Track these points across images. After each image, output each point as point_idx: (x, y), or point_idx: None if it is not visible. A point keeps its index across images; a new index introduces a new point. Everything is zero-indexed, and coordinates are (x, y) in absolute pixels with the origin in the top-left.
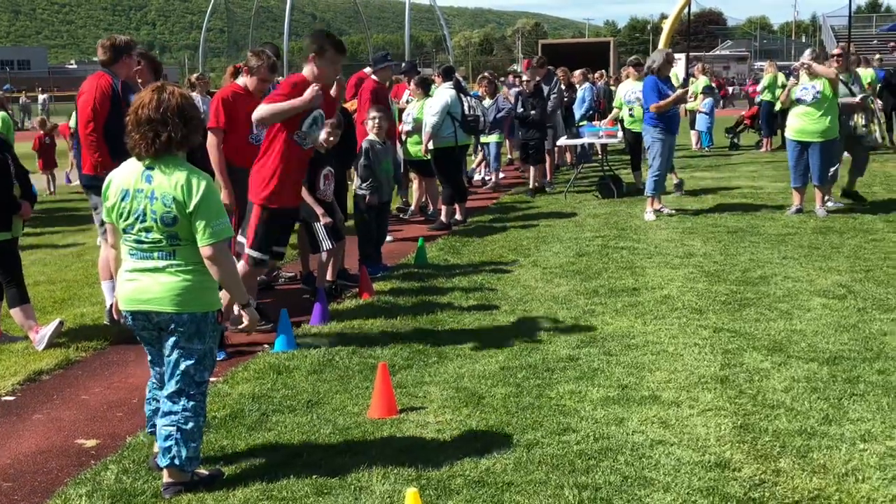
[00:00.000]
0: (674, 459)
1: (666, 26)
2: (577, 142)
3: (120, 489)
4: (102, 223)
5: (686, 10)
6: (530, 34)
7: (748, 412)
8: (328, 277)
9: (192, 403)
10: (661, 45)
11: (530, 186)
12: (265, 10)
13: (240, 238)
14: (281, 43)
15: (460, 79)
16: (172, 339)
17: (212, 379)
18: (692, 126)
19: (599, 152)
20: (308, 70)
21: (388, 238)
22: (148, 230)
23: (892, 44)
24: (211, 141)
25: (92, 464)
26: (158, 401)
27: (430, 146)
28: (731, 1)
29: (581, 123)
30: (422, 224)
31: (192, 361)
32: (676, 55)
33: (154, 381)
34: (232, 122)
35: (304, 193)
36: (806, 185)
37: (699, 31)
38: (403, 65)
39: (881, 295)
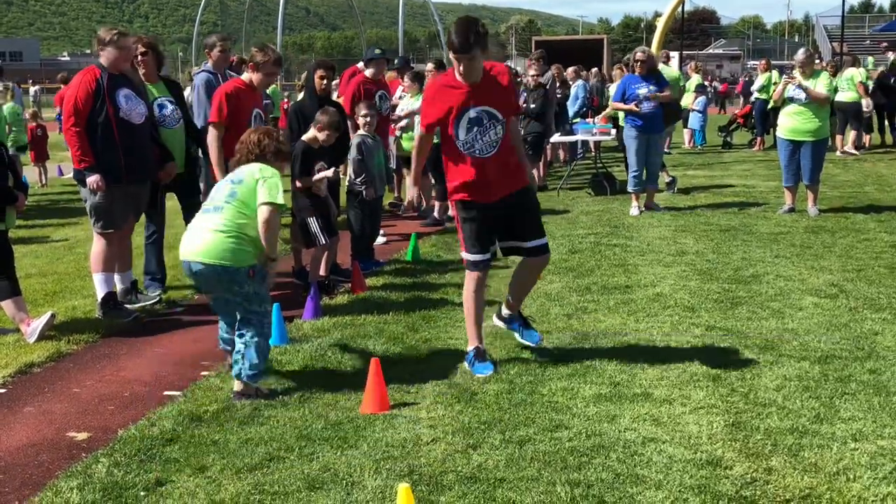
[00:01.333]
0: (666, 457)
1: (660, 24)
2: (571, 139)
3: (111, 482)
4: (95, 215)
5: (680, 9)
6: (524, 31)
7: (740, 410)
8: (321, 273)
9: (249, 331)
10: (654, 43)
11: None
12: (258, 3)
13: None
14: (275, 37)
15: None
16: (220, 285)
17: (203, 373)
18: (685, 124)
19: (593, 149)
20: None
21: (381, 237)
22: (220, 189)
23: (884, 44)
24: (211, 135)
25: (83, 457)
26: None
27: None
28: (724, 0)
29: (574, 121)
30: (415, 220)
31: (240, 300)
32: (670, 53)
33: (223, 323)
34: (234, 118)
35: (292, 185)
36: (798, 184)
37: (693, 30)
38: (396, 60)
39: (873, 294)
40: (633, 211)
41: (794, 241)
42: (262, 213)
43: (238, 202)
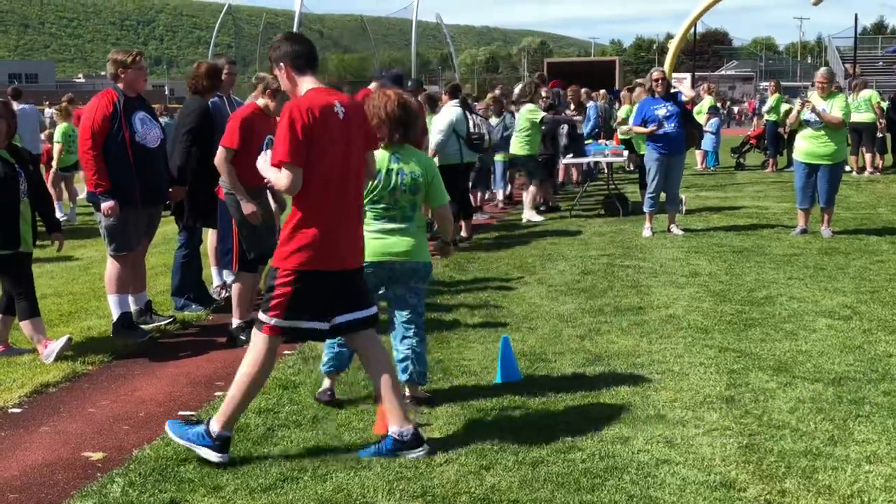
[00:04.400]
0: (679, 479)
1: (672, 46)
2: (583, 160)
3: (126, 502)
4: (109, 237)
5: (692, 30)
6: (536, 52)
7: (754, 432)
8: None
9: (420, 331)
10: (667, 64)
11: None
12: (272, 26)
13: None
14: None
15: (467, 97)
16: (406, 282)
17: (217, 393)
18: (698, 146)
19: (605, 170)
20: None
21: None
22: (398, 199)
23: None
24: (220, 156)
25: (98, 476)
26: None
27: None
28: (736, 21)
29: (587, 142)
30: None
31: (418, 298)
32: (682, 74)
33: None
34: (246, 144)
35: None
36: (812, 206)
37: (704, 51)
38: (410, 83)
39: (886, 316)
40: (646, 232)
41: (808, 262)
42: (439, 212)
43: (416, 210)
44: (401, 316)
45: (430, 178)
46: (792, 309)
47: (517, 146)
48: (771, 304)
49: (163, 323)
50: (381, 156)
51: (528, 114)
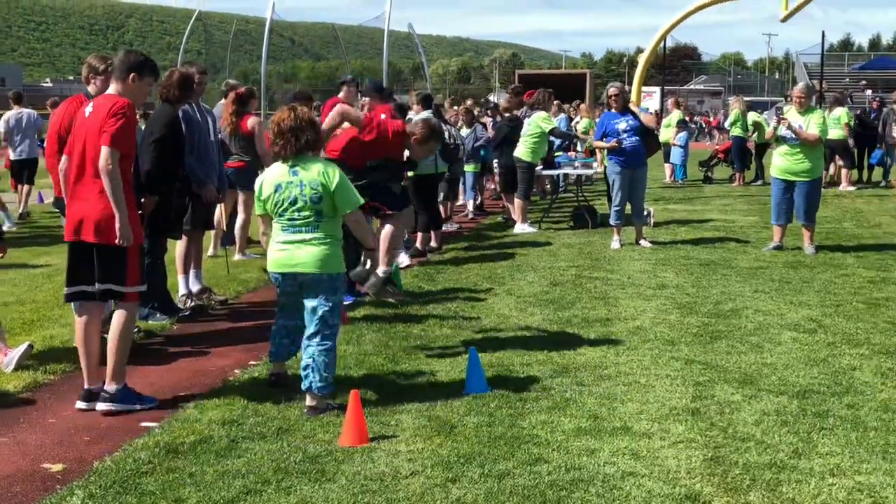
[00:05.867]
0: (644, 491)
1: (642, 60)
2: (553, 172)
3: None
4: None
5: (662, 45)
6: (507, 64)
7: (719, 445)
8: None
9: (326, 342)
10: (636, 77)
11: (512, 215)
12: (243, 33)
13: None
14: (259, 66)
15: (439, 106)
16: (314, 293)
17: (180, 404)
18: (666, 159)
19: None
20: None
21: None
22: (300, 210)
23: (863, 82)
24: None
25: (58, 489)
26: (287, 338)
27: (409, 173)
28: (706, 36)
29: (557, 154)
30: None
31: (328, 309)
32: (651, 88)
33: (281, 328)
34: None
35: None
36: (788, 222)
37: (674, 66)
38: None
39: (851, 329)
40: (615, 244)
41: (774, 275)
42: (349, 219)
43: (325, 218)
44: (309, 325)
45: (333, 187)
46: (758, 322)
47: (523, 152)
48: (737, 317)
49: None
50: (280, 170)
51: (540, 121)
